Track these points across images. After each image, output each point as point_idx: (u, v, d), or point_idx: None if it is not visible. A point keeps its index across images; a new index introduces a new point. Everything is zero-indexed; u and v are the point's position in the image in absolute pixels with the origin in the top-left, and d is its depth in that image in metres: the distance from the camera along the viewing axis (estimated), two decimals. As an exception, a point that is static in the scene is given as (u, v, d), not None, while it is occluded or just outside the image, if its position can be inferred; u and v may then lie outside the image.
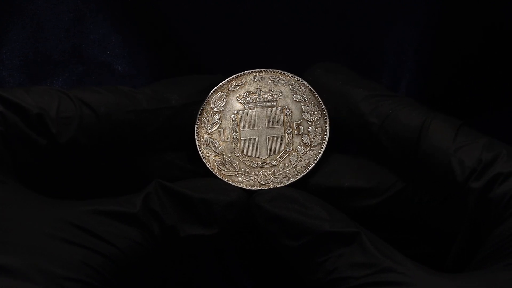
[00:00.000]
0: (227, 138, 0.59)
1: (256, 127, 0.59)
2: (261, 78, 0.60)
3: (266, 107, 0.59)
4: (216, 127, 0.59)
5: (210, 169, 0.58)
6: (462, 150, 0.53)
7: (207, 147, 0.59)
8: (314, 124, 0.58)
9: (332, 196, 0.56)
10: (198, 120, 0.59)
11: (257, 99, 0.60)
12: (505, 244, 0.50)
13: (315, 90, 0.59)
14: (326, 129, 0.58)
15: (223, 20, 0.69)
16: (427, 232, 0.57)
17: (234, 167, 0.58)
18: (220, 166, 0.58)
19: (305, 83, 0.60)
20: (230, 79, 0.61)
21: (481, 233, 0.52)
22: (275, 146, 0.59)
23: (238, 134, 0.59)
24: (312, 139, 0.58)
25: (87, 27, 0.69)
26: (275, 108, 0.59)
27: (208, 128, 0.59)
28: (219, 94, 0.60)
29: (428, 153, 0.54)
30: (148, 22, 0.69)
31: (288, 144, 0.58)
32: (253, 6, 0.69)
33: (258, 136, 0.59)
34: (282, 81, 0.60)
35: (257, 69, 0.61)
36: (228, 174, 0.58)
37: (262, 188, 0.57)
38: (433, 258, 0.55)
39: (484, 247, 0.51)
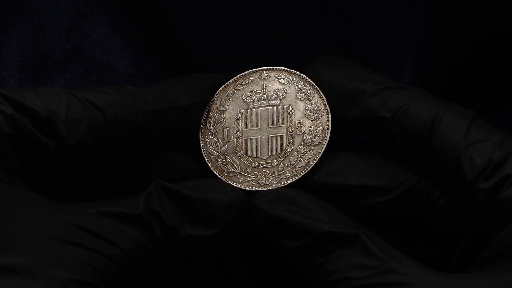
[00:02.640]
0: (230, 138, 0.59)
1: (259, 127, 0.59)
2: (267, 76, 0.60)
3: (270, 105, 0.59)
4: (220, 127, 0.59)
5: (212, 169, 0.58)
6: (473, 147, 0.52)
7: (211, 147, 0.59)
8: (316, 123, 0.58)
9: (339, 194, 0.56)
10: (204, 119, 0.59)
11: (262, 97, 0.60)
12: (510, 246, 0.49)
13: (320, 88, 0.59)
14: (328, 128, 0.58)
15: (224, 20, 0.69)
16: (433, 232, 0.57)
17: (235, 167, 0.58)
18: (222, 167, 0.58)
19: (310, 81, 0.59)
20: (236, 78, 0.61)
21: (487, 233, 0.51)
22: (276, 146, 0.58)
23: (241, 134, 0.59)
24: (313, 139, 0.58)
25: (87, 27, 0.69)
26: (278, 107, 0.59)
27: (212, 128, 0.59)
28: (225, 93, 0.60)
29: (439, 148, 0.53)
30: (149, 22, 0.69)
31: (289, 144, 0.58)
32: (253, 6, 0.69)
33: (260, 136, 0.59)
34: (288, 79, 0.60)
35: (263, 67, 0.61)
36: (229, 175, 0.58)
37: (261, 188, 0.57)
38: (438, 259, 0.55)
39: (488, 248, 0.51)
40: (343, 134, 0.59)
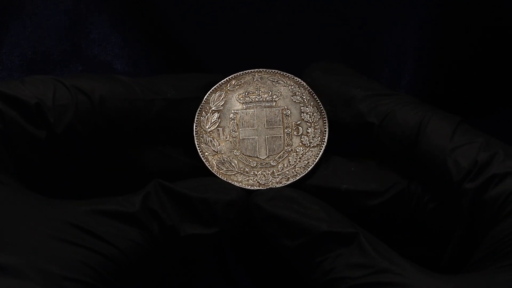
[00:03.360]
0: (226, 137, 0.59)
1: (255, 127, 0.59)
2: (260, 78, 0.60)
3: (265, 107, 0.59)
4: (215, 126, 0.59)
5: (209, 168, 0.58)
6: (458, 150, 0.53)
7: (206, 146, 0.59)
8: (313, 125, 0.59)
9: (330, 197, 0.56)
10: (197, 118, 0.59)
11: (256, 99, 0.60)
12: (500, 246, 0.50)
13: (314, 91, 0.59)
14: (325, 130, 0.58)
15: (223, 19, 0.69)
16: (425, 233, 0.57)
17: (233, 167, 0.58)
18: (219, 165, 0.58)
19: (304, 84, 0.60)
20: (229, 78, 0.60)
21: (476, 233, 0.52)
22: (274, 146, 0.59)
23: (237, 133, 0.59)
24: (311, 140, 0.58)
25: (86, 26, 0.69)
26: (274, 109, 0.59)
27: (207, 127, 0.59)
28: (217, 93, 0.60)
29: (426, 152, 0.54)
30: (148, 21, 0.69)
31: (287, 145, 0.58)
32: (253, 6, 0.69)
33: (257, 136, 0.59)
34: (281, 82, 0.60)
35: (256, 69, 0.61)
36: (227, 174, 0.58)
37: (261, 188, 0.57)
38: (436, 260, 0.55)
39: (479, 249, 0.51)
40: (340, 137, 0.59)
